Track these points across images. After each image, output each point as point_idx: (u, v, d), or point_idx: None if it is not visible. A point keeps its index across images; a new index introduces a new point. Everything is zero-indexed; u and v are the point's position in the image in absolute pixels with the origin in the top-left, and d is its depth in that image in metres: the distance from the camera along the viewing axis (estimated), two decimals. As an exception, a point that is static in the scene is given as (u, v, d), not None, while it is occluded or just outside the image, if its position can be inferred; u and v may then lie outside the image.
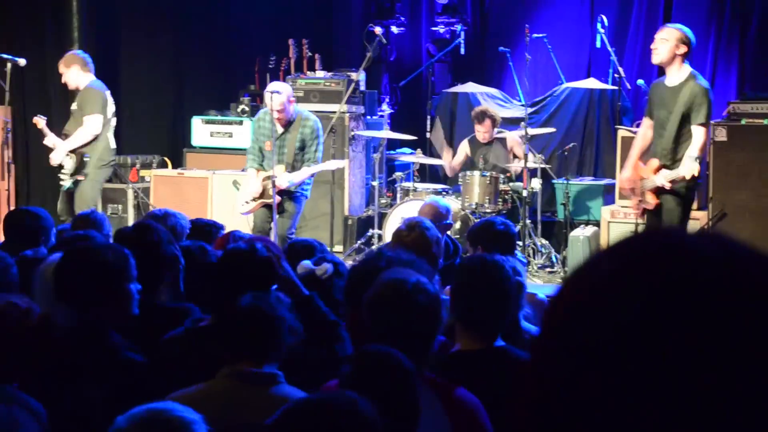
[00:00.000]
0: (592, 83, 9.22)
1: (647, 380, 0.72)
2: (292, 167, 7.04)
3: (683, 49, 5.87)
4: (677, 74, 5.92)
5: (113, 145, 7.46)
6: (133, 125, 9.46)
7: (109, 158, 7.43)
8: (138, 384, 2.83)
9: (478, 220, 7.78)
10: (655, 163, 5.98)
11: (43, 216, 4.62)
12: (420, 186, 8.44)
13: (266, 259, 3.18)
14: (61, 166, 7.24)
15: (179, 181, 8.53)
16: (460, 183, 8.12)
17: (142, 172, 8.70)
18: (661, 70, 6.45)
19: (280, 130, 7.05)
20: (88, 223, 4.53)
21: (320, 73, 8.99)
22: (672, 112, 5.87)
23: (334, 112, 8.37)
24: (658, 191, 5.96)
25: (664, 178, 5.84)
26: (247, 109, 8.96)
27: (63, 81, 7.32)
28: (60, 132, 7.37)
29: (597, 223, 8.21)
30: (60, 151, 7.24)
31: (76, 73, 7.31)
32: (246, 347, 2.77)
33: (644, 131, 6.24)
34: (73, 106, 7.34)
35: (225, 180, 8.36)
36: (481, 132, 8.32)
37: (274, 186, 6.87)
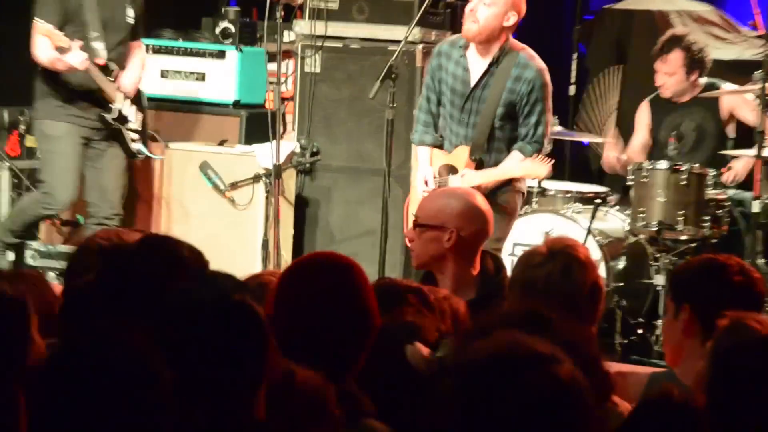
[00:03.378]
0: None
1: None
2: (487, 148, 4.78)
3: None
4: None
5: None
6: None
7: None
8: None
9: (676, 257, 5.42)
10: None
11: None
12: (553, 186, 5.86)
13: None
14: (121, 116, 5.41)
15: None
16: (630, 183, 5.64)
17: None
18: None
19: (476, 75, 4.81)
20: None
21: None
22: None
23: (397, 42, 5.34)
24: None
25: None
26: (231, 29, 5.89)
27: None
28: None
29: None
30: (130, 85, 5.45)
31: None
32: None
33: None
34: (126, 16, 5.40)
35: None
36: (663, 75, 5.80)
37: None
